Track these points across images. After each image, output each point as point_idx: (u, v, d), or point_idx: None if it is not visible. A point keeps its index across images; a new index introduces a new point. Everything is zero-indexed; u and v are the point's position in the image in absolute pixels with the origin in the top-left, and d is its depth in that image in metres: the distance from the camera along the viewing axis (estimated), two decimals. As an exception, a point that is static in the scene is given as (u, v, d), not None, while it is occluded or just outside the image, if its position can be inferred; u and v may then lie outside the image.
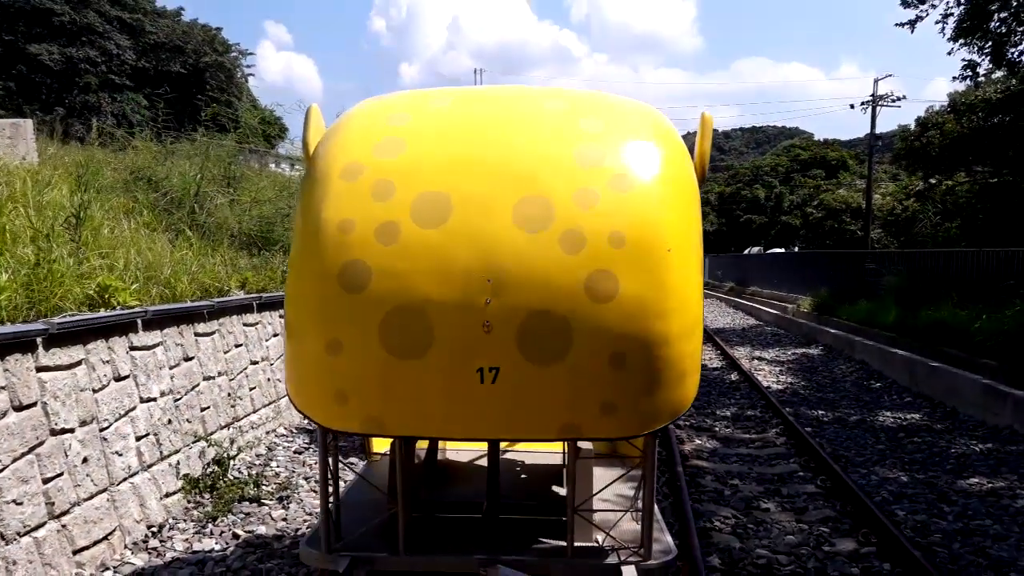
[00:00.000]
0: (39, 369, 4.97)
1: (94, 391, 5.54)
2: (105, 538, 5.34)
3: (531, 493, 4.49)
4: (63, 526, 4.96)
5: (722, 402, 11.80)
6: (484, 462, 4.55)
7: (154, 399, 6.36)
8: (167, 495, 6.26)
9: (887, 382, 13.32)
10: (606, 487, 4.21)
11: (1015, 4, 18.40)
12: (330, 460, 3.77)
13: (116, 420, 5.75)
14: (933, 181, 25.98)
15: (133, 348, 6.16)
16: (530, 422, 3.28)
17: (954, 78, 22.62)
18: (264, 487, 6.88)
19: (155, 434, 6.29)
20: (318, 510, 4.07)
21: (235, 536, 5.88)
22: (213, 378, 7.57)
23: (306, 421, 8.70)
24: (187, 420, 6.87)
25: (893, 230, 33.80)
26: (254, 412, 8.48)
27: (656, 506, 3.84)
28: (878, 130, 39.49)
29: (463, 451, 5.20)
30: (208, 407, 7.36)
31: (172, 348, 6.80)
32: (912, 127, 27.67)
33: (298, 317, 3.41)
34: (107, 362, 5.76)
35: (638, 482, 4.14)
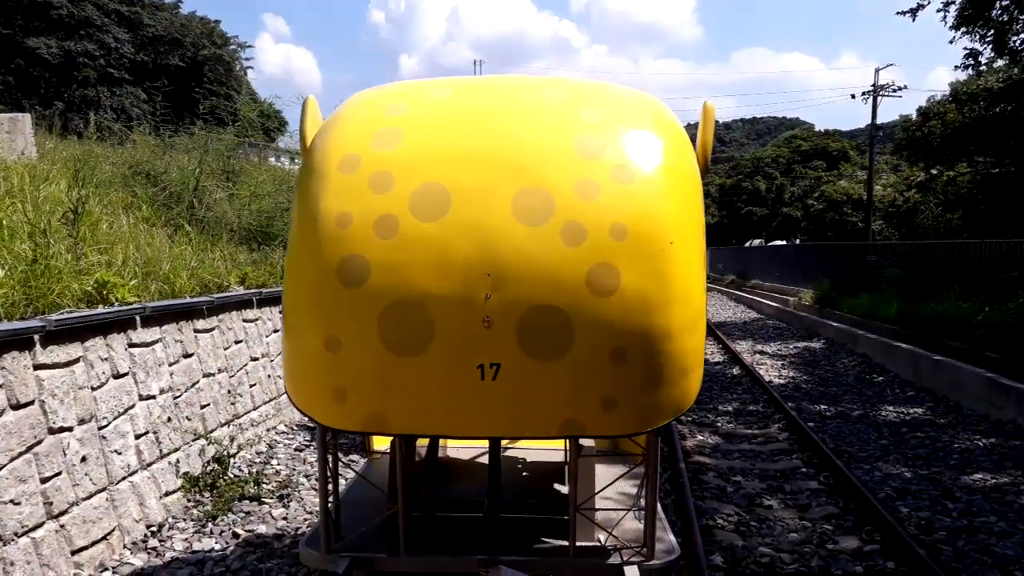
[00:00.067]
0: (37, 367, 4.93)
1: (93, 389, 5.50)
2: (104, 538, 5.31)
3: (532, 491, 4.46)
4: (61, 526, 4.92)
5: (724, 397, 11.76)
6: (485, 459, 4.52)
7: (153, 397, 6.32)
8: (167, 494, 6.23)
9: (890, 376, 13.28)
10: (608, 485, 4.17)
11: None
12: (330, 458, 3.73)
13: (115, 418, 5.71)
14: (935, 172, 25.92)
15: (132, 345, 6.12)
16: (531, 419, 3.24)
17: (956, 67, 22.58)
18: (264, 485, 6.85)
19: (154, 432, 6.25)
20: (318, 509, 4.04)
21: (235, 535, 5.84)
22: (213, 375, 7.53)
23: (306, 419, 8.67)
24: (187, 418, 6.83)
25: (894, 222, 33.73)
26: (254, 409, 8.45)
27: (659, 504, 3.80)
28: (879, 120, 39.36)
29: (464, 448, 5.16)
30: (208, 404, 7.32)
31: (171, 345, 6.76)
32: (914, 117, 27.54)
33: (296, 313, 3.37)
34: (106, 359, 5.72)
35: (641, 480, 4.10)
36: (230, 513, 6.22)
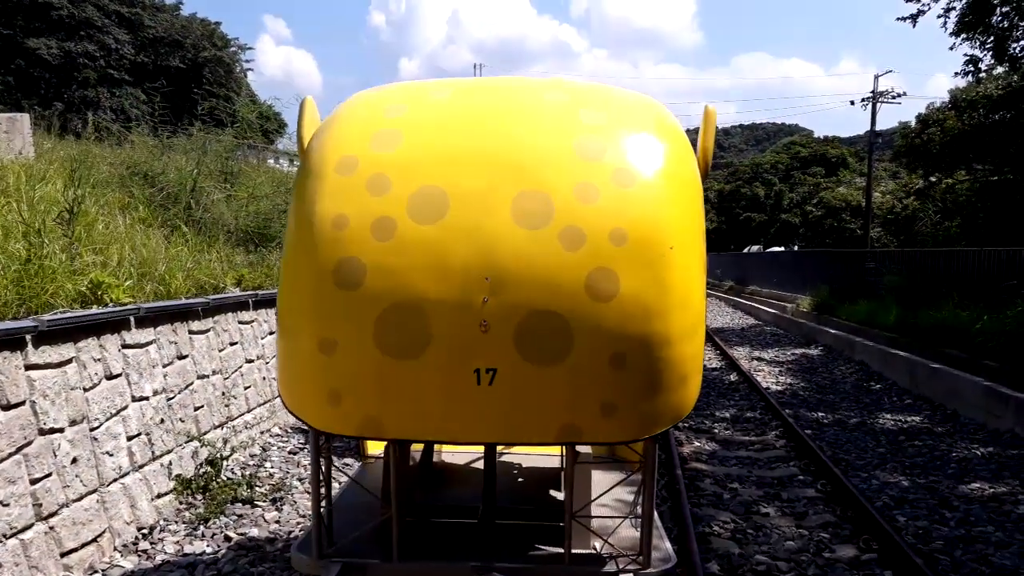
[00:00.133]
0: (28, 367, 4.88)
1: (85, 390, 5.45)
2: (94, 540, 5.26)
3: (528, 498, 4.41)
4: (51, 528, 4.88)
5: (721, 403, 11.72)
6: (480, 465, 4.47)
7: (146, 398, 6.27)
8: (158, 496, 6.18)
9: (887, 383, 13.25)
10: (605, 492, 4.13)
11: (1017, -1, 18.32)
12: (323, 462, 3.69)
13: (107, 419, 5.66)
14: (933, 179, 25.87)
15: (125, 346, 6.07)
16: (529, 425, 3.20)
17: (956, 74, 22.57)
18: (257, 488, 6.80)
19: (147, 434, 6.20)
20: (311, 513, 4.00)
21: (227, 538, 5.79)
22: (207, 377, 7.49)
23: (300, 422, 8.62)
24: (180, 419, 6.78)
25: (893, 229, 33.70)
26: (248, 411, 8.40)
27: (655, 512, 3.76)
28: (878, 127, 39.45)
29: (459, 453, 5.12)
30: (202, 406, 7.27)
31: (165, 346, 6.71)
32: (913, 124, 27.53)
33: (291, 315, 3.33)
34: (98, 360, 5.67)
35: (637, 487, 4.06)
36: (222, 516, 6.17)
